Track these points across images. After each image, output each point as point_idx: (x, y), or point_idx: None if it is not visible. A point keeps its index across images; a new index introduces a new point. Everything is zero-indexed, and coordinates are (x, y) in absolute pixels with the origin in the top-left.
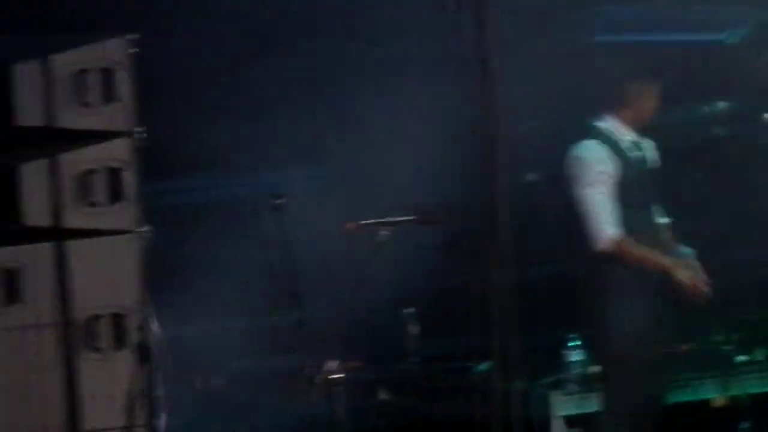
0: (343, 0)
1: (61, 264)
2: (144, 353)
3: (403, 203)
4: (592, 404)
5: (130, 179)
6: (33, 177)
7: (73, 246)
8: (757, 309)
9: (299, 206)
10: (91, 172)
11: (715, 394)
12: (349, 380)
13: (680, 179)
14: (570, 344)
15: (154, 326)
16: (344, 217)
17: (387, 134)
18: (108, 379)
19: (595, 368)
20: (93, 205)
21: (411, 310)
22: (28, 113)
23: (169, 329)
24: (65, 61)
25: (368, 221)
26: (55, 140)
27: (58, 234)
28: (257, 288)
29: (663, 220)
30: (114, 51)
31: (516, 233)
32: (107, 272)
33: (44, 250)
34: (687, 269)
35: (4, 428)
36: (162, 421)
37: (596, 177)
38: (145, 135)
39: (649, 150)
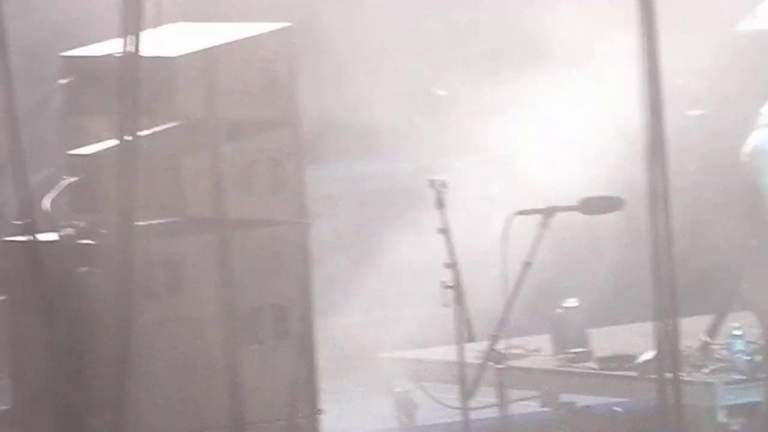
0: None
1: (223, 255)
2: (306, 345)
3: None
4: (756, 393)
5: (292, 169)
6: (196, 168)
7: (236, 237)
8: None
9: (463, 195)
10: (253, 162)
11: None
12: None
13: None
14: (734, 332)
15: (315, 318)
16: (508, 206)
17: (552, 121)
18: (270, 371)
19: (760, 356)
20: (255, 195)
21: (574, 301)
22: (190, 104)
23: (330, 321)
24: (227, 52)
25: (532, 209)
26: (218, 131)
27: (220, 225)
28: (418, 279)
29: None
30: (275, 41)
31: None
32: (269, 263)
33: (207, 241)
34: None
35: (168, 419)
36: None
37: None
38: (306, 124)
39: None
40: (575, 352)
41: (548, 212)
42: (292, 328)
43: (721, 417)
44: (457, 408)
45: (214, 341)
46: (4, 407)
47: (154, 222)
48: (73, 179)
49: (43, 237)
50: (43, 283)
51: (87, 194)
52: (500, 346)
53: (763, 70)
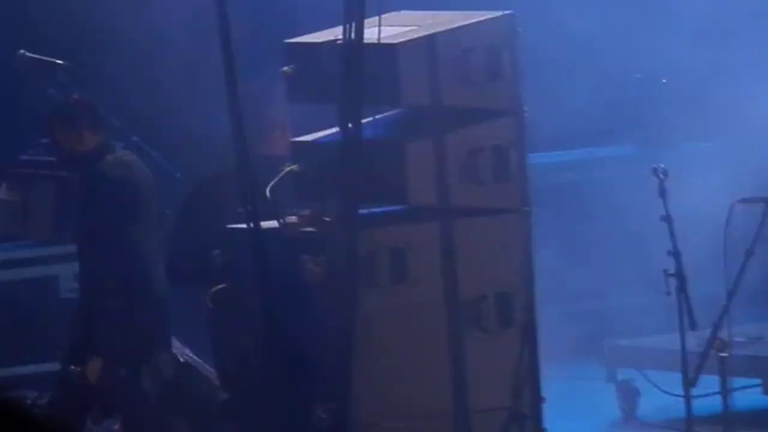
0: None
1: (447, 243)
2: (529, 333)
3: None
4: None
5: (515, 157)
6: (419, 156)
7: (460, 225)
8: None
9: (685, 183)
10: (477, 150)
11: None
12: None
13: None
14: None
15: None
16: (729, 194)
17: None
18: (494, 359)
19: None
20: (479, 183)
21: None
22: (413, 92)
23: (552, 308)
24: (450, 39)
25: (755, 198)
26: (441, 119)
27: (444, 213)
28: (641, 266)
29: None
30: (499, 29)
31: None
32: (493, 251)
33: (431, 229)
34: None
35: (393, 406)
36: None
37: None
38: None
39: None
40: None
41: None
42: (515, 316)
43: None
44: (680, 396)
45: (438, 330)
46: (226, 396)
47: (377, 210)
48: (296, 167)
49: (265, 224)
50: (265, 271)
51: (310, 182)
52: (723, 334)
53: None
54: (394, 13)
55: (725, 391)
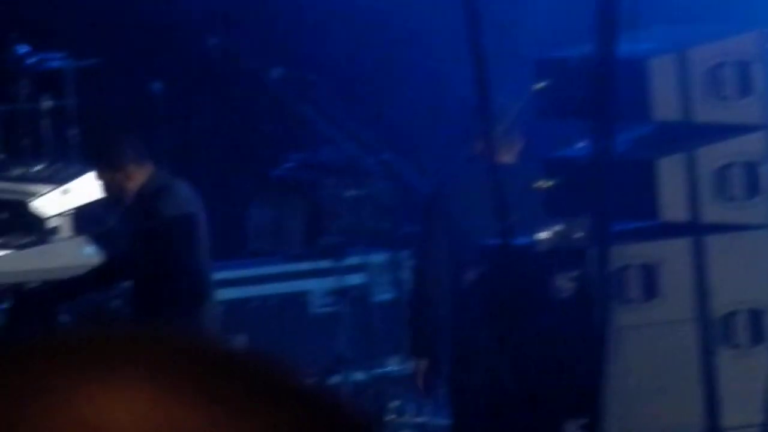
0: None
1: (698, 259)
2: None
3: None
4: None
5: (767, 173)
6: (670, 172)
7: (711, 241)
8: None
9: None
10: (728, 166)
11: None
12: None
13: None
14: None
15: None
16: None
17: None
18: (746, 376)
19: None
20: (730, 199)
21: None
22: (664, 107)
23: None
24: (701, 55)
25: None
26: (692, 135)
27: (695, 229)
28: None
29: None
30: (750, 44)
31: None
32: (745, 267)
33: (682, 245)
34: None
35: (643, 423)
36: None
37: None
38: None
39: None
40: None
41: None
42: (767, 332)
43: None
44: None
45: (689, 346)
46: (446, 422)
47: (629, 226)
48: (548, 182)
49: (518, 241)
50: (521, 286)
51: (562, 197)
52: None
53: None
54: (649, 27)
55: None
